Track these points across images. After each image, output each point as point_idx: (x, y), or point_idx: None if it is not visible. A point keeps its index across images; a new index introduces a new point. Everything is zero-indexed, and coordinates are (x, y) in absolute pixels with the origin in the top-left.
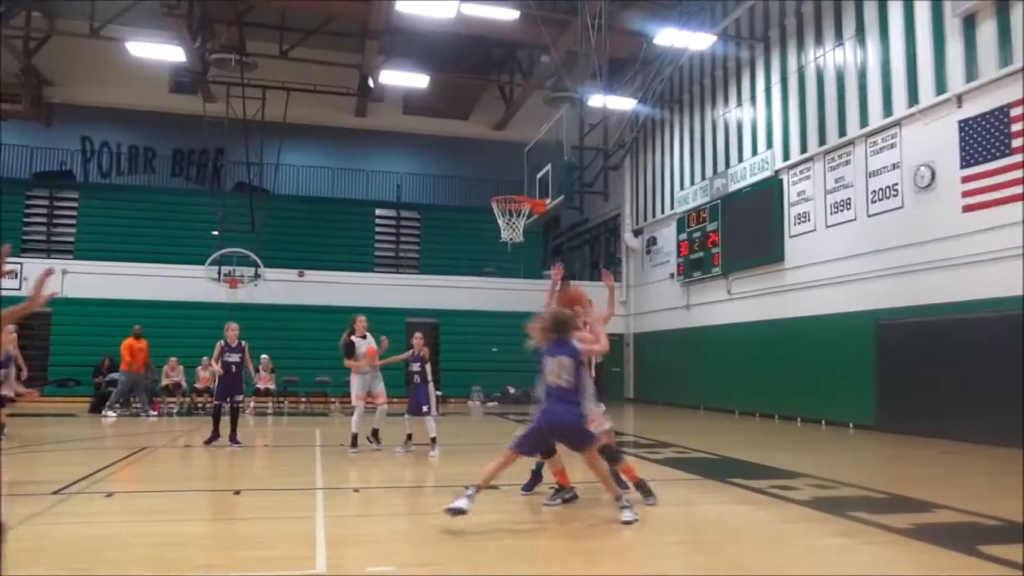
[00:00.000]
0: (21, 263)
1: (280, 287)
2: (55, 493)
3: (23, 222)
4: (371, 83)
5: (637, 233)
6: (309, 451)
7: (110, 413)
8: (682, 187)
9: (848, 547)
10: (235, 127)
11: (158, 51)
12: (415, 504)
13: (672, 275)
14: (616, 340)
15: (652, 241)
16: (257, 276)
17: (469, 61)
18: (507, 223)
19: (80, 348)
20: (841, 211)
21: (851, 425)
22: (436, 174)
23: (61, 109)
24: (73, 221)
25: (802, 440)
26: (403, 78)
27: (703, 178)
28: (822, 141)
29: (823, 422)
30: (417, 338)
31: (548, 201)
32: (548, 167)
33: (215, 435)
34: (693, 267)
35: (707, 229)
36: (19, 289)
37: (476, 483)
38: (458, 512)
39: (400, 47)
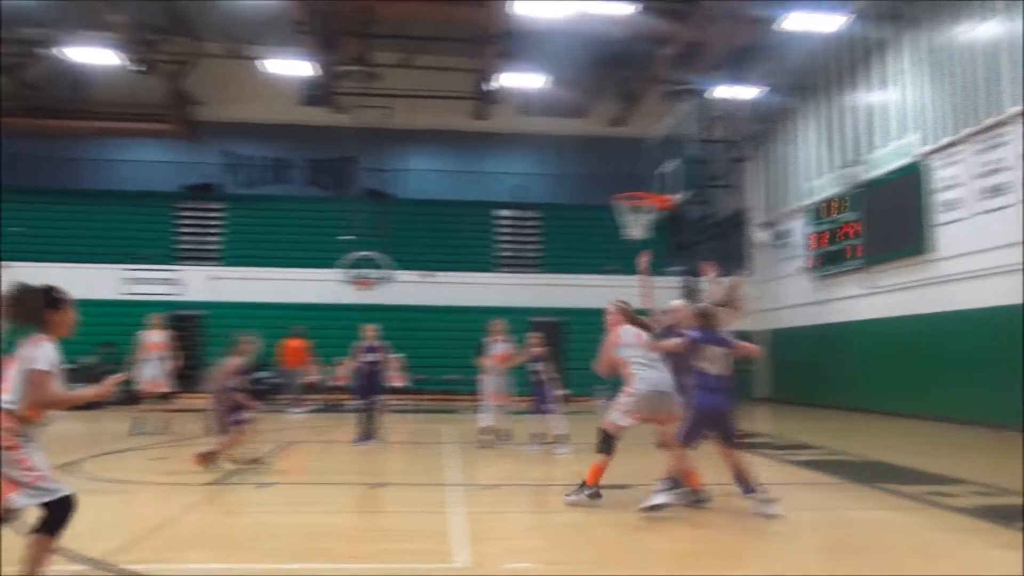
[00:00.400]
0: (180, 270)
1: (406, 288)
2: (210, 484)
3: (176, 232)
4: (489, 86)
5: (766, 226)
6: (440, 448)
7: (294, 410)
8: (814, 177)
9: (1019, 560)
10: (362, 135)
11: (290, 67)
12: (545, 501)
13: (805, 268)
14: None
15: (782, 234)
16: (385, 278)
17: (586, 58)
18: (631, 220)
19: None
20: (997, 196)
21: (1014, 427)
22: (556, 173)
23: (203, 126)
24: (219, 230)
25: (957, 442)
26: (520, 79)
27: (837, 167)
28: (971, 122)
29: (980, 423)
30: (534, 338)
31: (672, 196)
32: (671, 161)
33: (362, 433)
34: (828, 260)
35: (843, 220)
36: (180, 295)
37: (666, 478)
38: (659, 508)
39: (517, 48)
